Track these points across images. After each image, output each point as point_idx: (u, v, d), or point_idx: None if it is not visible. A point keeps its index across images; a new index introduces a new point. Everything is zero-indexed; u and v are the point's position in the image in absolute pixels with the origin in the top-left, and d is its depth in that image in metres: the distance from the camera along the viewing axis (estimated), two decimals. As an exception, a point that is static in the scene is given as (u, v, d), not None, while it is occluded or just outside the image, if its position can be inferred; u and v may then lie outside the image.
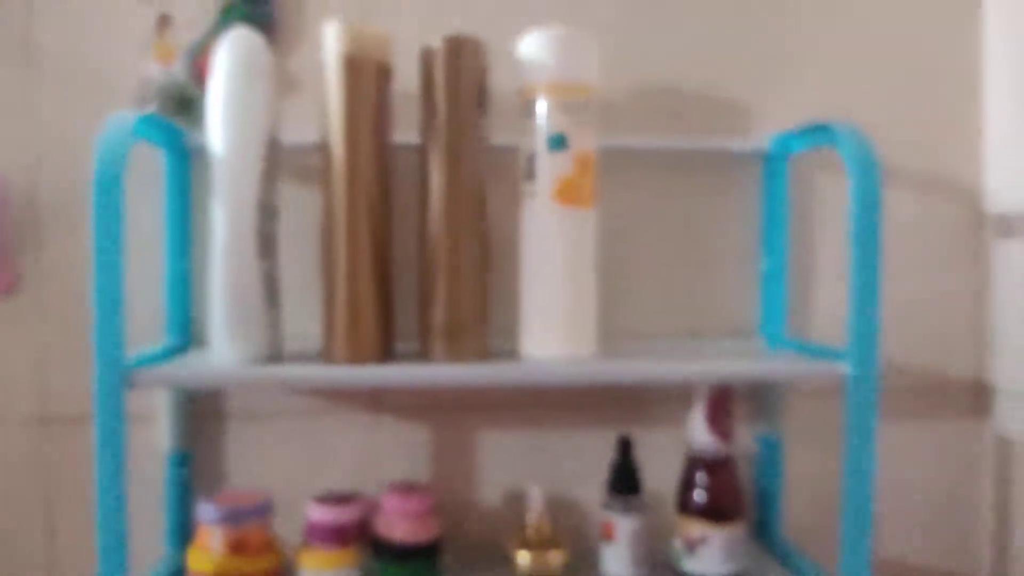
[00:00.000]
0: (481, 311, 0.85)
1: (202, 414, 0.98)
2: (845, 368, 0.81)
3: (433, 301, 0.84)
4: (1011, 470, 1.04)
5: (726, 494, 0.89)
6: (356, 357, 0.81)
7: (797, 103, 1.04)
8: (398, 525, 0.87)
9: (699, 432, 0.89)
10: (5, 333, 0.97)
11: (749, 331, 1.04)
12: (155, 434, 0.96)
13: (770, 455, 1.02)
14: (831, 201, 1.04)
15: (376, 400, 1.00)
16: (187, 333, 0.96)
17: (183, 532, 0.95)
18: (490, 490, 1.01)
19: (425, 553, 0.87)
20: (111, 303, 0.74)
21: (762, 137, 1.01)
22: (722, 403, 0.89)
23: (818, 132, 0.88)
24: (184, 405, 0.96)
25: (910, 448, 1.07)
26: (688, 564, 0.88)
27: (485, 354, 0.84)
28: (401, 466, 1.00)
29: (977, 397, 1.07)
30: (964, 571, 1.09)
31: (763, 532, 1.02)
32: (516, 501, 1.00)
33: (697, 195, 1.03)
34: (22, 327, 0.97)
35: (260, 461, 0.99)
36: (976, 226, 1.07)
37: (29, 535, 0.98)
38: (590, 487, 1.01)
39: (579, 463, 1.01)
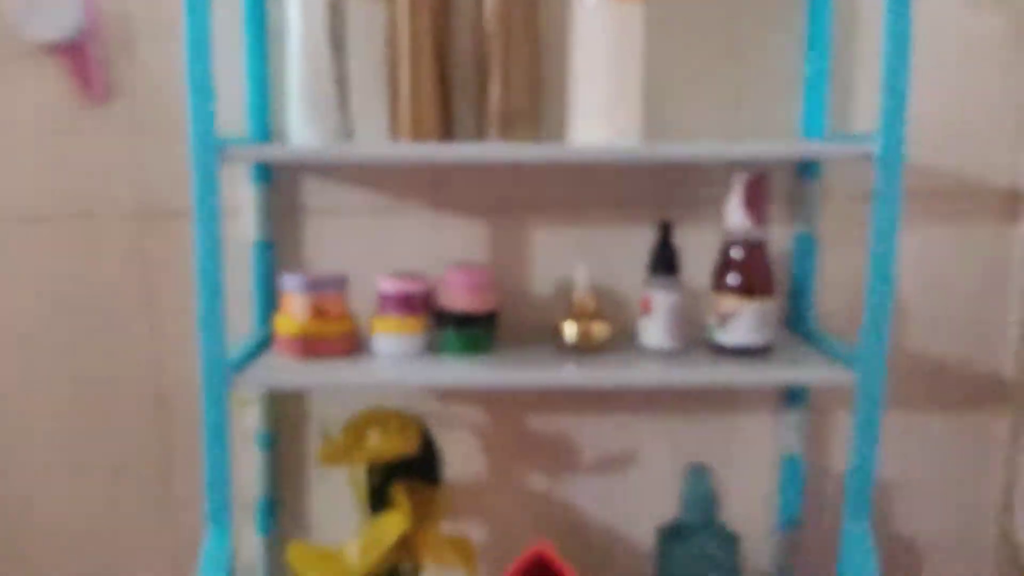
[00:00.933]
0: (533, 100, 0.92)
1: (283, 208, 1.09)
2: (874, 148, 0.87)
3: (489, 91, 0.91)
4: (1041, 269, 1.09)
5: (757, 272, 0.96)
6: (418, 135, 0.89)
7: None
8: (459, 296, 0.97)
9: (735, 215, 0.96)
10: (103, 137, 1.08)
11: (791, 133, 1.09)
12: (242, 227, 1.07)
13: (805, 251, 1.09)
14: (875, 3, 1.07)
15: (438, 197, 1.09)
16: (266, 128, 1.05)
17: (269, 312, 1.07)
18: (541, 280, 1.11)
19: (483, 322, 0.98)
20: (203, 89, 0.83)
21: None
22: (758, 187, 0.95)
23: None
24: (267, 198, 1.07)
25: (942, 250, 1.12)
26: (720, 336, 0.97)
27: (537, 136, 0.92)
28: (460, 259, 1.10)
29: (1010, 202, 1.11)
30: (988, 367, 1.15)
31: (796, 322, 1.10)
32: (566, 289, 1.10)
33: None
34: (118, 131, 1.08)
35: (334, 252, 1.10)
36: (1019, 36, 1.08)
37: (133, 323, 1.12)
38: (634, 279, 1.10)
39: (624, 257, 1.10)
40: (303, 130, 0.90)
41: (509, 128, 0.91)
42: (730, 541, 0.98)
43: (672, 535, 0.99)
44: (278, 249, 1.10)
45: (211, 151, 0.84)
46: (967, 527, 1.20)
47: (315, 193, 1.09)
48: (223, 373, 0.88)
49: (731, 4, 1.07)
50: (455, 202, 1.10)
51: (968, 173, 1.11)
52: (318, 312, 0.96)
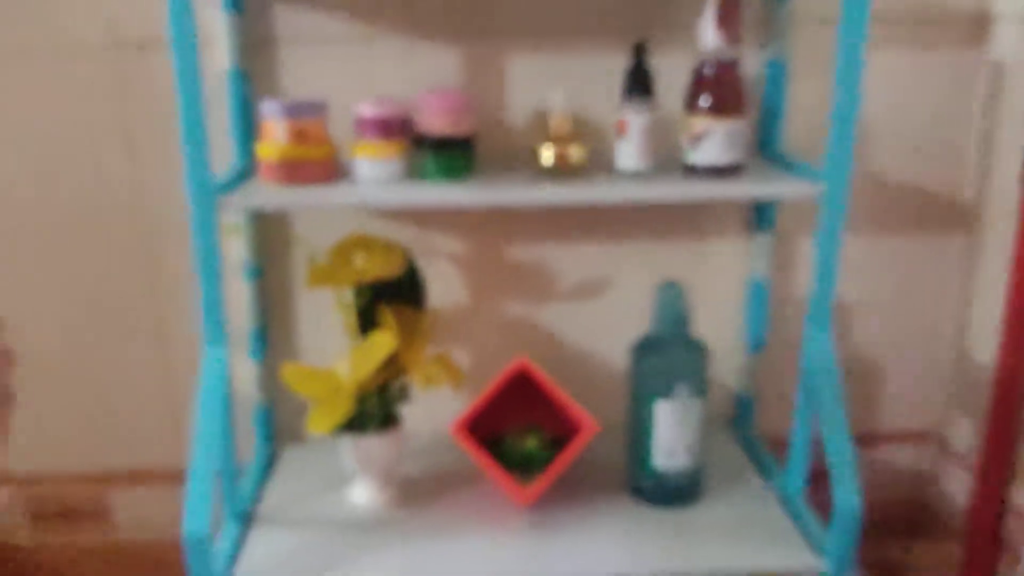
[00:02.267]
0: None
1: (256, 38, 1.08)
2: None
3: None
4: (1001, 94, 1.12)
5: (728, 91, 0.98)
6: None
7: None
8: (437, 120, 0.98)
9: (708, 34, 0.98)
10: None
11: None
12: (216, 57, 1.06)
13: (776, 76, 1.11)
14: None
15: (412, 23, 1.09)
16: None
17: (247, 143, 1.08)
18: (518, 106, 1.12)
19: (461, 146, 1.00)
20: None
21: None
22: (732, 5, 0.96)
23: None
24: (239, 27, 1.06)
25: (907, 74, 1.15)
26: (692, 156, 1.00)
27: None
28: (436, 85, 1.11)
29: (976, 26, 1.13)
30: (948, 190, 1.20)
31: (766, 148, 1.14)
32: (542, 115, 1.11)
33: None
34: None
35: (309, 80, 1.10)
36: None
37: (111, 151, 1.12)
38: (610, 105, 1.11)
39: (600, 83, 1.11)
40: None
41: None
42: (699, 352, 1.04)
43: (644, 348, 1.05)
44: (253, 80, 1.10)
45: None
46: (925, 346, 1.28)
47: (287, 21, 1.08)
48: (211, 196, 0.90)
49: None
50: (430, 28, 1.09)
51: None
52: (299, 137, 0.97)
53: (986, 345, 1.18)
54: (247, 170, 1.06)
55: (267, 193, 0.96)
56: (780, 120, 1.12)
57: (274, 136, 0.97)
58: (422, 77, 1.10)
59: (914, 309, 1.26)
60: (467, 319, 1.21)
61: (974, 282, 1.22)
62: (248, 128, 1.09)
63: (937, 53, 1.14)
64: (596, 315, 1.22)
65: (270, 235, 1.16)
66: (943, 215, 1.21)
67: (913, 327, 1.27)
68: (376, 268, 1.00)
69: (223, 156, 1.09)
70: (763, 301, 1.20)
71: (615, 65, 1.10)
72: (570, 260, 1.20)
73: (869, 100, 1.14)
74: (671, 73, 1.08)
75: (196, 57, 0.86)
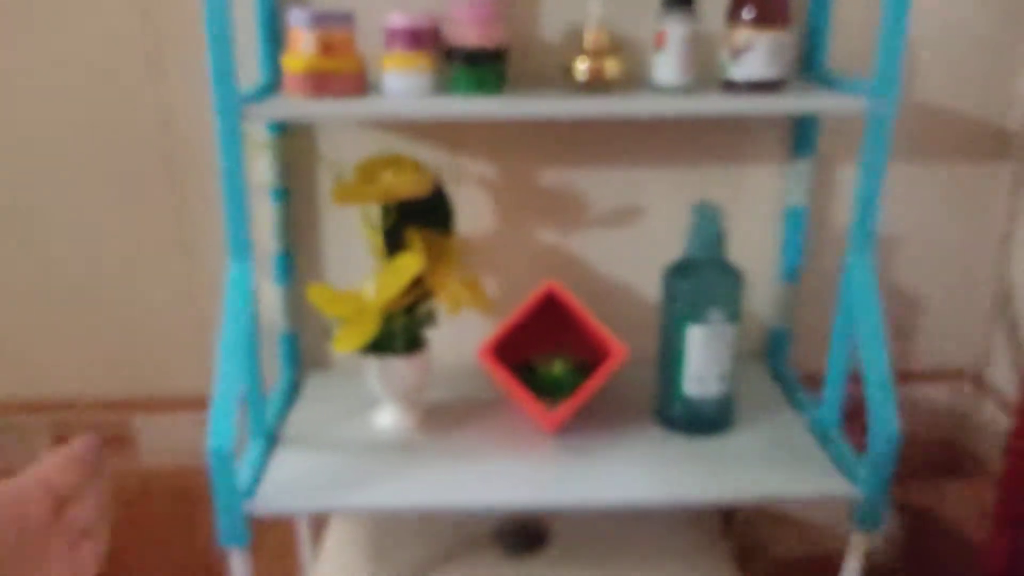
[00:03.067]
0: None
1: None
2: None
3: None
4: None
5: (772, 2, 0.94)
6: None
7: None
8: (468, 31, 0.95)
9: (753, -58, 0.93)
10: None
11: None
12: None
13: (822, -9, 1.06)
14: None
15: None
16: None
17: (274, 58, 1.05)
18: (553, 20, 1.08)
19: (493, 58, 0.97)
20: None
21: None
22: (778, -90, 0.92)
23: None
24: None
25: (962, -8, 1.09)
26: (733, 71, 0.96)
27: None
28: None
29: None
30: (993, 118, 1.15)
31: (811, 66, 1.09)
32: (577, 30, 1.07)
33: None
34: None
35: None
36: None
37: (135, 65, 1.10)
38: (647, 21, 1.07)
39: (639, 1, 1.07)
40: None
41: None
42: (734, 277, 1.01)
43: (677, 271, 1.03)
44: (280, -8, 1.07)
45: None
46: (966, 282, 1.24)
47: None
48: (236, 106, 0.88)
49: None
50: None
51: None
52: (326, 48, 0.94)
53: (1032, 279, 1.14)
54: (273, 84, 1.03)
55: (293, 104, 0.93)
56: (825, 36, 1.07)
57: (301, 47, 0.94)
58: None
59: (956, 242, 1.22)
60: (496, 245, 1.19)
61: (1019, 215, 1.18)
62: (275, 40, 1.06)
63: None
64: (628, 242, 1.19)
65: (296, 155, 1.14)
66: (989, 144, 1.17)
67: (954, 262, 1.23)
68: (404, 187, 0.98)
69: (250, 72, 1.06)
70: (800, 230, 1.16)
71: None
72: (602, 185, 1.16)
73: (916, 22, 1.09)
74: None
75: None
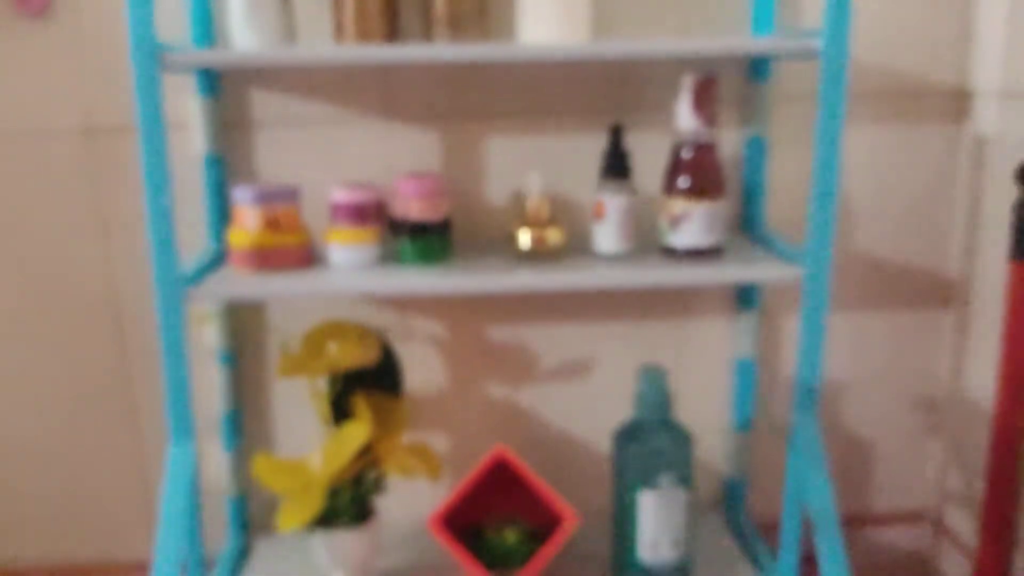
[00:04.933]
0: (481, 3, 0.91)
1: (231, 121, 1.07)
2: (819, 43, 0.87)
3: (435, -8, 0.90)
4: (984, 169, 1.11)
5: (707, 173, 0.97)
6: (364, 36, 0.88)
7: None
8: (413, 205, 0.97)
9: (685, 117, 0.97)
10: (44, 53, 1.04)
11: (741, 30, 1.08)
12: (191, 141, 1.05)
13: (756, 154, 1.10)
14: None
15: (388, 105, 1.08)
16: (210, 36, 1.03)
17: (222, 227, 1.06)
18: (495, 188, 1.11)
19: (438, 231, 0.98)
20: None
21: None
22: (708, 88, 0.96)
23: None
24: (214, 110, 1.05)
25: (889, 150, 1.14)
26: (671, 239, 0.98)
27: (485, 38, 0.91)
28: (412, 167, 1.10)
29: (957, 102, 1.13)
30: (933, 267, 1.19)
31: (748, 225, 1.12)
32: (519, 198, 1.10)
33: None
34: (59, 47, 1.04)
35: (286, 164, 1.09)
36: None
37: (84, 238, 1.10)
38: (586, 186, 1.10)
39: (576, 164, 1.10)
40: (245, 33, 0.88)
41: (457, 28, 0.90)
42: (683, 439, 1.01)
43: (627, 434, 1.02)
44: (229, 163, 1.08)
45: (151, 57, 0.82)
46: (917, 424, 1.25)
47: (263, 104, 1.07)
48: (177, 287, 0.88)
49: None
50: (404, 110, 1.08)
51: (915, 73, 1.11)
52: (271, 224, 0.96)
53: (979, 422, 1.15)
54: (220, 256, 1.04)
55: (237, 282, 0.93)
56: (761, 198, 1.10)
57: (246, 223, 0.96)
58: (398, 159, 1.09)
59: (904, 386, 1.23)
60: (446, 402, 1.18)
61: (964, 357, 1.19)
62: (223, 213, 1.07)
63: (919, 128, 1.13)
64: (579, 397, 1.19)
65: (244, 321, 1.14)
66: (929, 291, 1.19)
67: (904, 404, 1.24)
68: (349, 357, 0.98)
69: (201, 240, 1.08)
70: (750, 381, 1.17)
71: (590, 146, 1.09)
72: (551, 341, 1.17)
73: (851, 177, 1.13)
74: (646, 153, 1.08)
75: (163, 143, 0.84)
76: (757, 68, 1.08)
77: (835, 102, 0.88)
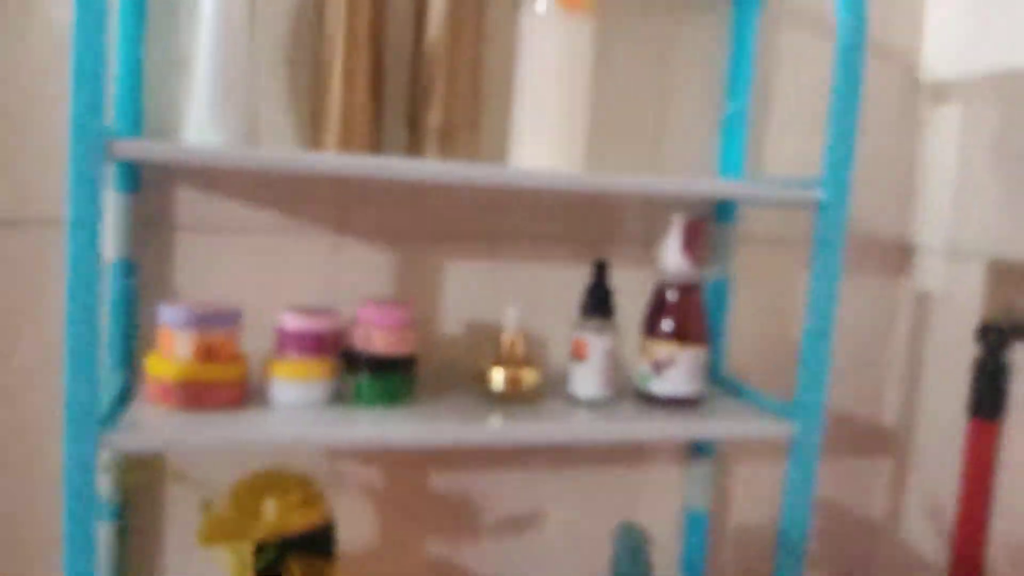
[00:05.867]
0: (474, 115, 0.82)
1: (148, 221, 0.90)
2: (820, 194, 0.85)
3: (428, 103, 0.80)
4: (925, 322, 1.14)
5: (694, 318, 0.92)
6: (348, 145, 0.76)
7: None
8: (378, 337, 0.84)
9: (673, 258, 0.92)
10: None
11: (709, 173, 1.06)
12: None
13: (719, 296, 1.06)
14: (794, 50, 1.08)
15: (341, 221, 0.95)
16: (138, 122, 0.87)
17: (126, 348, 0.88)
18: (454, 318, 1.00)
19: (403, 367, 0.85)
20: (90, 70, 0.65)
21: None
22: (698, 230, 0.91)
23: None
24: (131, 209, 0.88)
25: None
26: (656, 386, 0.91)
27: (476, 157, 0.82)
28: (362, 292, 0.96)
29: (899, 255, 1.16)
30: (872, 419, 1.19)
31: (710, 371, 1.07)
32: (479, 329, 0.99)
33: (670, 36, 1.03)
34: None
35: (206, 277, 0.92)
36: (912, 91, 1.13)
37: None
38: (550, 317, 1.02)
39: (539, 293, 1.02)
40: (207, 128, 0.74)
41: (448, 144, 0.81)
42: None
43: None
44: (141, 271, 0.90)
45: (97, 147, 0.66)
46: (859, 565, 1.22)
47: (190, 205, 0.91)
48: (93, 429, 0.69)
49: (657, 42, 1.03)
50: (359, 226, 0.96)
51: (859, 225, 1.14)
52: (205, 353, 0.79)
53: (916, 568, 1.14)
54: (127, 385, 0.85)
55: (165, 427, 0.75)
56: (722, 341, 1.06)
57: (174, 350, 0.78)
58: (347, 280, 0.96)
59: (843, 535, 1.21)
60: (380, 560, 1.02)
61: (900, 503, 1.19)
62: (130, 332, 0.88)
63: (861, 279, 1.15)
64: (525, 553, 1.06)
65: (132, 464, 0.93)
66: (869, 441, 1.19)
67: (844, 552, 1.21)
68: (294, 519, 0.81)
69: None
70: (701, 531, 1.10)
71: (555, 275, 1.02)
72: (495, 492, 1.04)
73: (795, 324, 1.12)
74: (622, 289, 1.02)
75: (97, 254, 0.67)
76: (723, 209, 1.06)
77: (833, 254, 0.86)
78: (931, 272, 1.12)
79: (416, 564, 1.03)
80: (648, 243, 1.04)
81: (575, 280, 1.03)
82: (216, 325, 0.80)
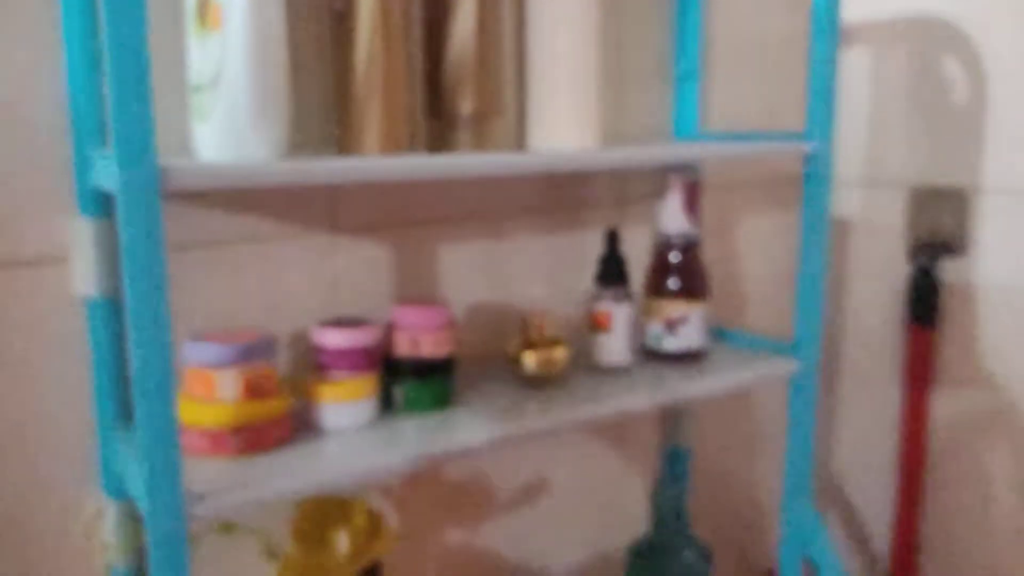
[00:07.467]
0: (502, 100, 0.78)
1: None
2: (808, 147, 0.90)
3: (460, 90, 0.75)
4: (847, 247, 1.24)
5: (699, 274, 0.94)
6: (391, 146, 0.69)
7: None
8: (420, 340, 0.78)
9: (674, 218, 0.93)
10: None
11: (664, 133, 1.08)
12: (72, 278, 0.73)
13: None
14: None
15: (332, 219, 0.86)
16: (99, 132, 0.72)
17: (112, 404, 0.75)
18: (455, 304, 0.95)
19: (445, 369, 0.81)
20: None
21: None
22: (694, 189, 0.94)
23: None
24: (106, 236, 0.74)
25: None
26: (670, 343, 0.93)
27: (511, 142, 0.78)
28: (364, 290, 0.89)
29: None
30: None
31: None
32: (482, 312, 0.96)
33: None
34: None
35: (205, 296, 0.80)
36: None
37: None
38: (542, 290, 1.00)
39: (534, 274, 0.99)
40: (251, 139, 0.63)
41: (482, 132, 0.76)
42: (707, 555, 0.96)
43: (645, 552, 0.94)
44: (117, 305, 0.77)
45: (152, 180, 0.55)
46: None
47: (170, 220, 0.77)
48: (181, 507, 0.59)
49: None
50: (351, 222, 0.88)
51: (780, 165, 1.21)
52: (255, 390, 0.70)
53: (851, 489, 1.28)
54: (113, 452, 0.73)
55: (248, 484, 0.64)
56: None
57: (215, 392, 0.69)
58: (345, 280, 0.88)
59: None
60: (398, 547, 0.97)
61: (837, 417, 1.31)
62: (117, 383, 0.75)
63: (785, 213, 1.23)
64: (532, 526, 1.06)
65: (137, 519, 0.81)
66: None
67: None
68: (370, 548, 0.75)
69: (74, 418, 0.74)
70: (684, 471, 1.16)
71: (536, 245, 1.00)
72: (503, 470, 1.03)
73: (746, 261, 1.19)
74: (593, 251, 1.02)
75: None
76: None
77: (821, 202, 0.92)
78: (847, 202, 1.23)
79: (433, 546, 0.99)
80: (619, 206, 1.04)
81: (558, 248, 1.01)
82: (258, 357, 0.70)
